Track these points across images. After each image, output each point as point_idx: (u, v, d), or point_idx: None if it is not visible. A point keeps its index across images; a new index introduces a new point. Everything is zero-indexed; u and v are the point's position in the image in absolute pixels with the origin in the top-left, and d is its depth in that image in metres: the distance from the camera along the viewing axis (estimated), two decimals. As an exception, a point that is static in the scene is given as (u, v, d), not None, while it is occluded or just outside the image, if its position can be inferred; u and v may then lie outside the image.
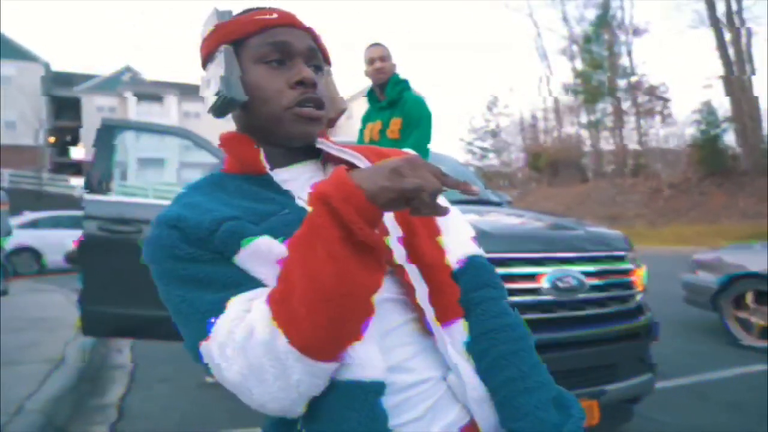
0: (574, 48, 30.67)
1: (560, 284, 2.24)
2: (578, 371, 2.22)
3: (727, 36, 22.62)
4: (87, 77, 38.00)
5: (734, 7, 22.34)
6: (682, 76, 59.96)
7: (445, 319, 0.77)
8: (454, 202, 0.89)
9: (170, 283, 0.71)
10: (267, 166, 0.79)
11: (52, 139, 36.01)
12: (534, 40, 47.41)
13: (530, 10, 45.28)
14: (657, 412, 3.10)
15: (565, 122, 34.12)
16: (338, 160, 0.81)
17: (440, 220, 0.84)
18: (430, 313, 0.76)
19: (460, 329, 0.79)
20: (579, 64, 30.55)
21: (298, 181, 0.81)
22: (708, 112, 22.45)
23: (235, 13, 0.83)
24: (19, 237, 12.03)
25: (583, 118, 31.64)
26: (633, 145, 29.57)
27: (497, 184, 30.89)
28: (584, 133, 32.26)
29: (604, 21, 28.62)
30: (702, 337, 5.19)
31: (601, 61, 29.07)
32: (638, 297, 2.56)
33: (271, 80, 0.78)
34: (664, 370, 2.98)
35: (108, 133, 3.48)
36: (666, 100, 28.95)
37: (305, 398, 0.66)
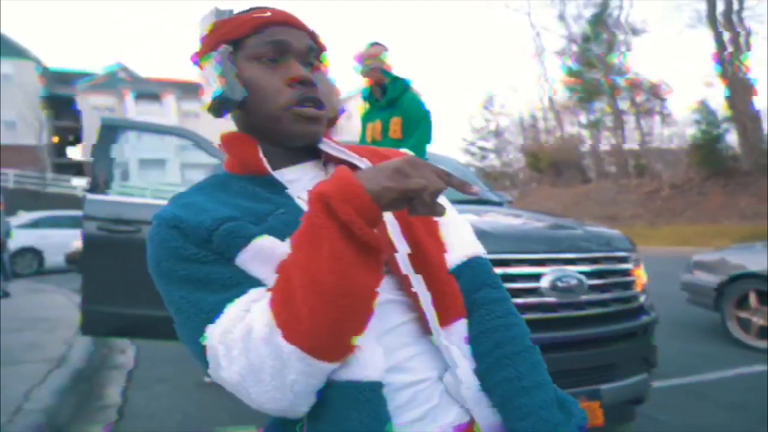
0: (573, 48, 30.64)
1: (560, 284, 2.24)
2: (578, 371, 2.22)
3: (727, 36, 22.60)
4: (84, 75, 37.87)
5: (735, 6, 22.32)
6: (682, 75, 59.90)
7: (445, 319, 0.77)
8: (454, 202, 0.89)
9: (171, 283, 0.71)
10: (268, 167, 0.79)
11: (55, 139, 35.99)
12: (533, 39, 47.23)
13: (529, 10, 45.04)
14: (657, 412, 3.10)
15: (565, 122, 34.09)
16: (339, 161, 0.81)
17: (440, 220, 0.84)
18: (430, 314, 0.76)
19: (459, 329, 0.79)
20: (577, 64, 30.50)
21: (302, 181, 0.81)
22: (705, 111, 22.42)
23: (234, 12, 0.83)
24: (21, 237, 12.04)
25: (582, 118, 31.63)
26: (634, 145, 29.53)
27: (501, 184, 30.86)
28: (585, 133, 32.24)
29: (601, 20, 28.59)
30: (702, 337, 5.19)
31: (597, 60, 29.03)
32: (641, 297, 2.56)
33: (269, 79, 0.78)
34: (664, 370, 2.98)
35: (109, 132, 3.48)
36: (663, 99, 28.90)
37: (301, 398, 0.66)
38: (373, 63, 3.15)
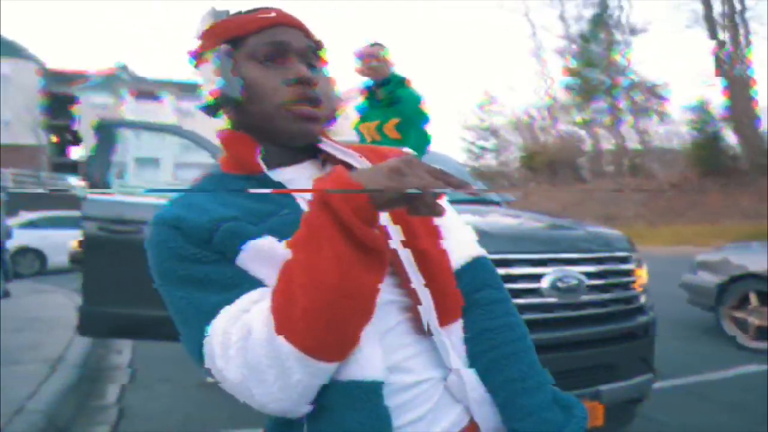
0: (573, 47, 30.61)
1: (561, 285, 2.24)
2: (578, 372, 2.21)
3: (726, 35, 22.61)
4: (84, 76, 37.88)
5: (737, 6, 22.33)
6: (680, 75, 59.90)
7: (445, 319, 0.77)
8: (454, 202, 0.88)
9: (171, 283, 0.71)
10: (264, 166, 0.79)
11: (54, 138, 35.99)
12: (531, 39, 47.04)
13: (527, 10, 44.71)
14: (657, 412, 3.10)
15: (560, 121, 33.94)
16: (337, 160, 0.81)
17: (441, 221, 0.83)
18: (431, 314, 0.76)
19: (459, 330, 0.79)
20: (575, 63, 30.44)
21: (300, 181, 0.81)
22: (702, 111, 22.46)
23: (232, 12, 0.82)
24: (21, 237, 12.02)
25: (578, 117, 31.53)
26: (632, 144, 29.45)
27: (498, 184, 30.75)
28: (583, 133, 32.17)
29: (602, 20, 28.59)
30: (702, 337, 5.19)
31: (597, 59, 29.01)
32: (640, 297, 2.55)
33: (267, 79, 0.78)
34: (664, 370, 2.97)
35: (106, 131, 3.48)
36: (662, 98, 28.86)
37: (305, 399, 0.66)
38: (376, 62, 3.14)
